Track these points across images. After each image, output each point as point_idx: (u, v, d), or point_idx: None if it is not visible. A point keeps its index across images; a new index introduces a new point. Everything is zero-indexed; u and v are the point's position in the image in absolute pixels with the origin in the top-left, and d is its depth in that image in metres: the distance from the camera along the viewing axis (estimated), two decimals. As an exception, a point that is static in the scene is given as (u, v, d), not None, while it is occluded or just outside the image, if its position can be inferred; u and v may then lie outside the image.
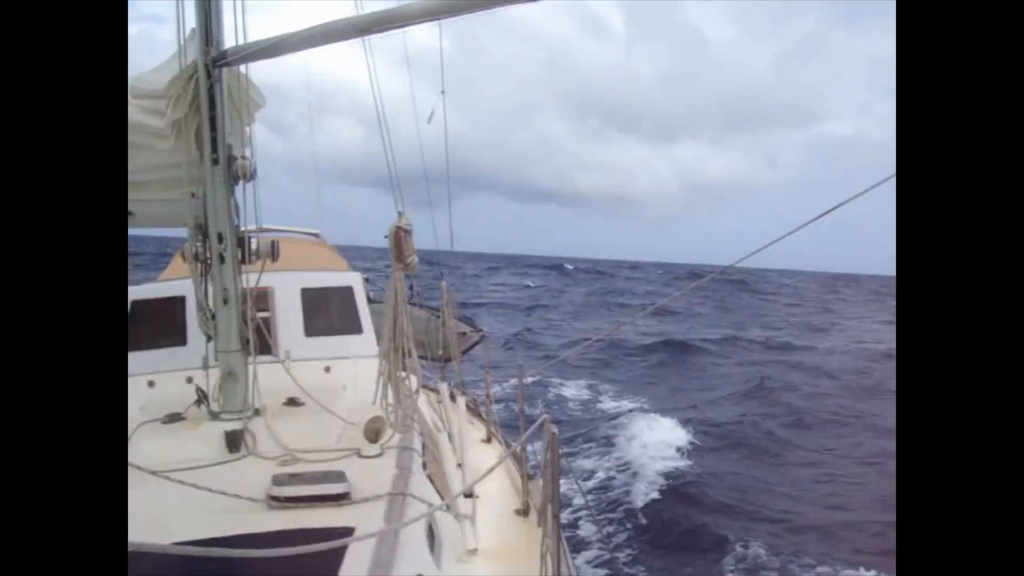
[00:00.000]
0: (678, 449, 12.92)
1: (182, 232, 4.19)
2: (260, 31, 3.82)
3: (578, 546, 8.78)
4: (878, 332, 34.40)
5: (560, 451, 3.51)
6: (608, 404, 17.65)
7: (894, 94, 1.67)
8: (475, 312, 33.12)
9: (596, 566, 8.50)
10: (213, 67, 3.83)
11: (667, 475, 11.46)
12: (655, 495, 10.69)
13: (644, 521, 9.86)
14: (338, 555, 2.44)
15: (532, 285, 66.18)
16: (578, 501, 9.52)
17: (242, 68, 4.08)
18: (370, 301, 7.17)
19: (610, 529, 9.74)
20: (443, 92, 4.83)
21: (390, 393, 4.08)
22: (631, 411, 16.01)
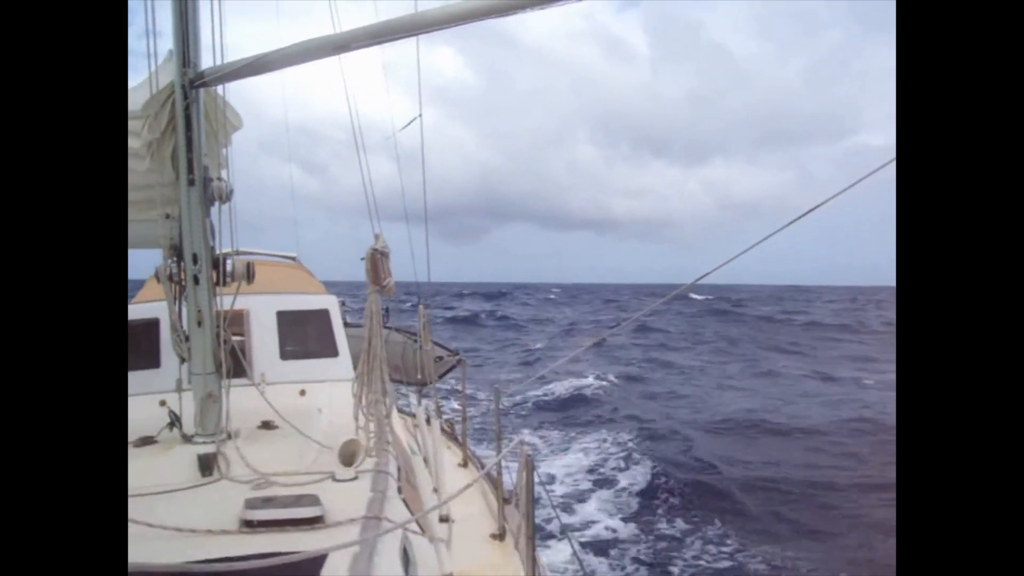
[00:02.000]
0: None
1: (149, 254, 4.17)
2: (241, 51, 3.83)
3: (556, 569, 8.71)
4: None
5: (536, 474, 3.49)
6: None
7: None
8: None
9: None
10: (190, 88, 3.82)
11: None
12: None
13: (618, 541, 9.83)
14: None
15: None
16: (554, 525, 9.47)
17: (219, 89, 4.07)
18: (347, 325, 7.13)
19: (588, 552, 9.68)
20: (420, 115, 4.83)
21: (362, 416, 4.05)
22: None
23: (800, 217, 2.70)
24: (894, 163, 1.75)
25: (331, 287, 7.47)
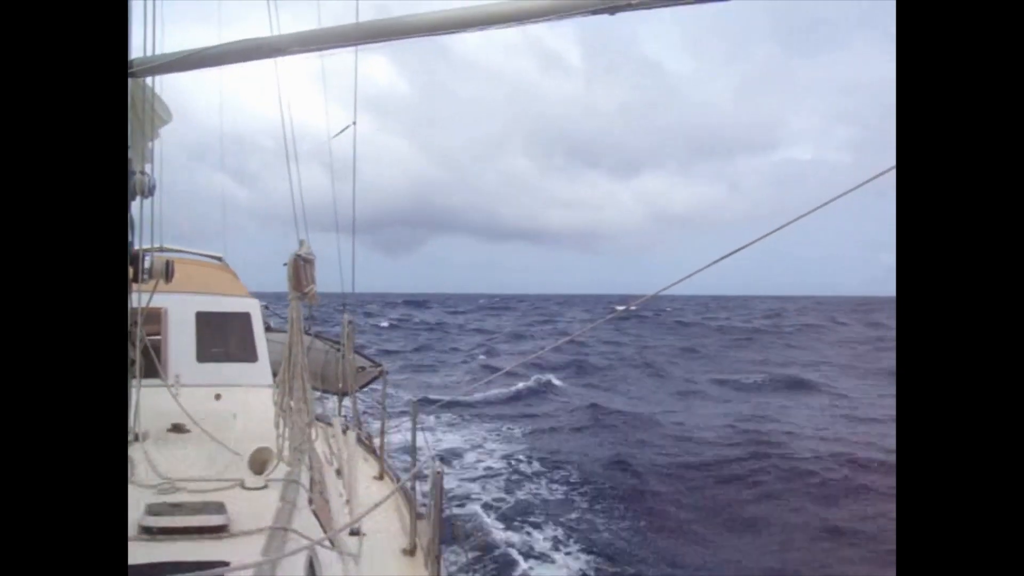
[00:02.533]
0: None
1: None
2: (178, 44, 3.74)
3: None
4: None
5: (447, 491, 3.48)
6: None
7: (849, 119, 1.66)
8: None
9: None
10: (117, 77, 3.70)
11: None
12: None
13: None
14: None
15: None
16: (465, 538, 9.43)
17: (149, 81, 3.96)
18: (269, 330, 6.99)
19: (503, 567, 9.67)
20: (354, 123, 4.79)
21: (281, 423, 3.97)
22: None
23: (769, 233, 2.74)
24: (893, 170, 1.77)
25: (260, 297, 7.35)
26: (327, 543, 3.29)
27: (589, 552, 10.20)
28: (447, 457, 15.01)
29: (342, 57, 3.42)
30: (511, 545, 10.43)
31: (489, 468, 14.72)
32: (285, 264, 3.74)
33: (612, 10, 2.73)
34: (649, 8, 2.72)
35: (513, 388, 24.45)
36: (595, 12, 2.75)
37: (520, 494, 12.89)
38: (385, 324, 64.54)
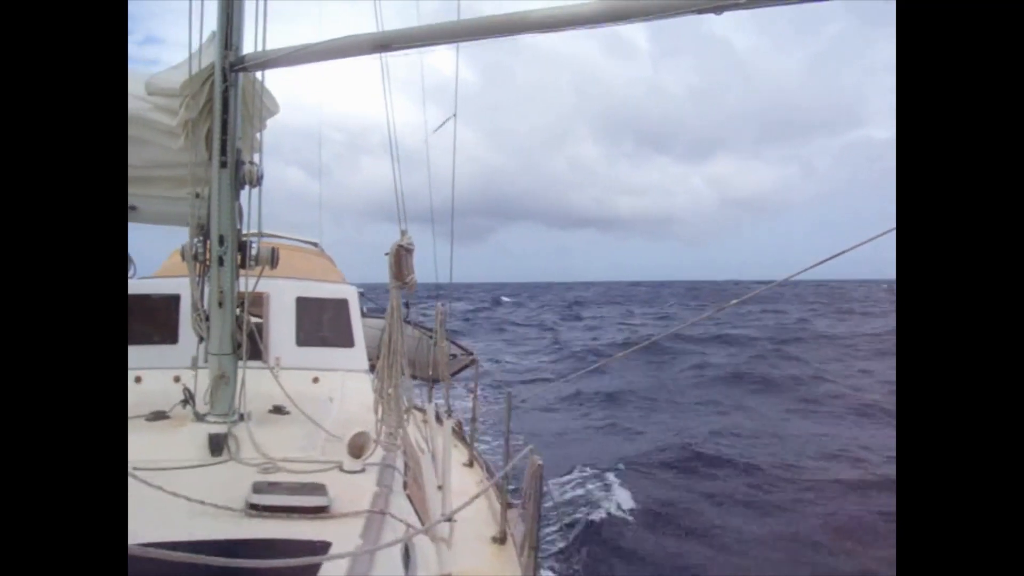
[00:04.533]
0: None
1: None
2: (282, 39, 3.86)
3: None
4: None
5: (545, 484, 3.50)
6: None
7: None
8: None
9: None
10: (230, 71, 3.85)
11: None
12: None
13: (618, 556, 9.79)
14: (312, 570, 2.42)
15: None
16: (554, 532, 9.46)
17: (258, 75, 4.10)
18: (364, 316, 7.15)
19: (588, 563, 9.66)
20: (455, 115, 4.85)
21: (380, 409, 4.07)
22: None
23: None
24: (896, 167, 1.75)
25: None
26: (424, 531, 3.36)
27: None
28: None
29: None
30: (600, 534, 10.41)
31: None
32: (387, 254, 3.82)
33: (718, 9, 2.67)
34: (756, 7, 2.66)
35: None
36: (701, 12, 2.70)
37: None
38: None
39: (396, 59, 3.57)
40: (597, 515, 11.29)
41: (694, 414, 19.10)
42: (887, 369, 24.82)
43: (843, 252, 2.68)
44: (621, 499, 11.89)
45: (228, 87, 3.86)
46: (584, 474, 13.55)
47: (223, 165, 3.89)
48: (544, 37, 3.10)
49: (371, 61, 3.65)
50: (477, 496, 3.20)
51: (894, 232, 1.77)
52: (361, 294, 7.61)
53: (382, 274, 3.90)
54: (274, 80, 3.86)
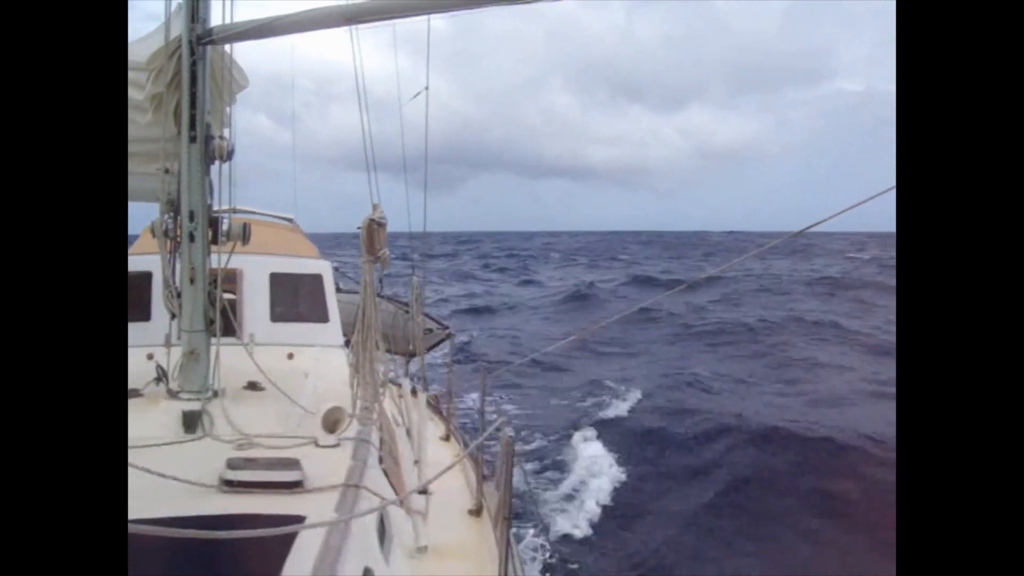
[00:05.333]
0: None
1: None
2: (250, 10, 3.81)
3: (529, 550, 8.81)
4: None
5: (515, 454, 3.53)
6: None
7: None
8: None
9: (545, 572, 8.53)
10: (197, 44, 3.80)
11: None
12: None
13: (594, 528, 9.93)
14: (287, 542, 2.44)
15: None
16: (531, 507, 9.54)
17: (227, 48, 4.05)
18: (339, 291, 7.13)
19: (564, 534, 9.78)
20: (427, 88, 4.82)
21: (355, 384, 4.08)
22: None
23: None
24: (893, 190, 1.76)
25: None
26: (398, 502, 3.38)
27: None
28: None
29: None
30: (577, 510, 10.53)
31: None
32: (359, 228, 3.81)
33: None
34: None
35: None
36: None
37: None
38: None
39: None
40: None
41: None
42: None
43: (851, 208, 2.71)
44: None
45: (196, 60, 3.81)
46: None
47: (192, 140, 3.84)
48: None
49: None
50: (449, 468, 3.23)
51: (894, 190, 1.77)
52: (336, 268, 7.59)
53: (350, 224, 3.87)
54: (238, 18, 3.79)
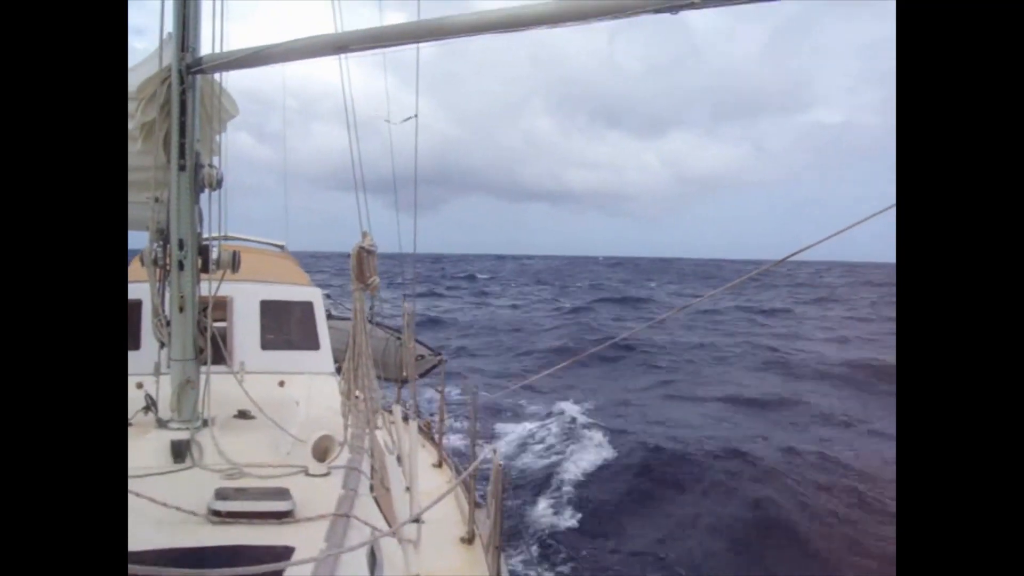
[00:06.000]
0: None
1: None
2: (239, 38, 3.82)
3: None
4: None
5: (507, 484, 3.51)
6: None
7: (885, 79, 1.66)
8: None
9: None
10: (187, 73, 3.81)
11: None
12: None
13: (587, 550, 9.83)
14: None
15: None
16: (524, 528, 9.48)
17: (216, 76, 4.06)
18: (330, 318, 7.11)
19: (557, 560, 9.68)
20: (416, 115, 4.83)
21: (347, 411, 4.05)
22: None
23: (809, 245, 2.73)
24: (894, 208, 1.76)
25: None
26: (390, 534, 3.35)
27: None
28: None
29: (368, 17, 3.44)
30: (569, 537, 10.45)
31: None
32: (348, 256, 3.80)
33: (674, 9, 2.69)
34: (712, 7, 2.69)
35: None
36: (658, 11, 2.72)
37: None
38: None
39: (353, 21, 3.53)
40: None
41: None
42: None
43: (840, 232, 2.72)
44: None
45: (185, 89, 3.81)
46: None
47: (182, 168, 3.84)
48: (499, 6, 3.09)
49: (327, 26, 3.60)
50: (441, 498, 3.21)
51: (894, 209, 1.77)
52: (327, 296, 7.57)
53: (334, 243, 3.88)
54: (228, 46, 3.80)
